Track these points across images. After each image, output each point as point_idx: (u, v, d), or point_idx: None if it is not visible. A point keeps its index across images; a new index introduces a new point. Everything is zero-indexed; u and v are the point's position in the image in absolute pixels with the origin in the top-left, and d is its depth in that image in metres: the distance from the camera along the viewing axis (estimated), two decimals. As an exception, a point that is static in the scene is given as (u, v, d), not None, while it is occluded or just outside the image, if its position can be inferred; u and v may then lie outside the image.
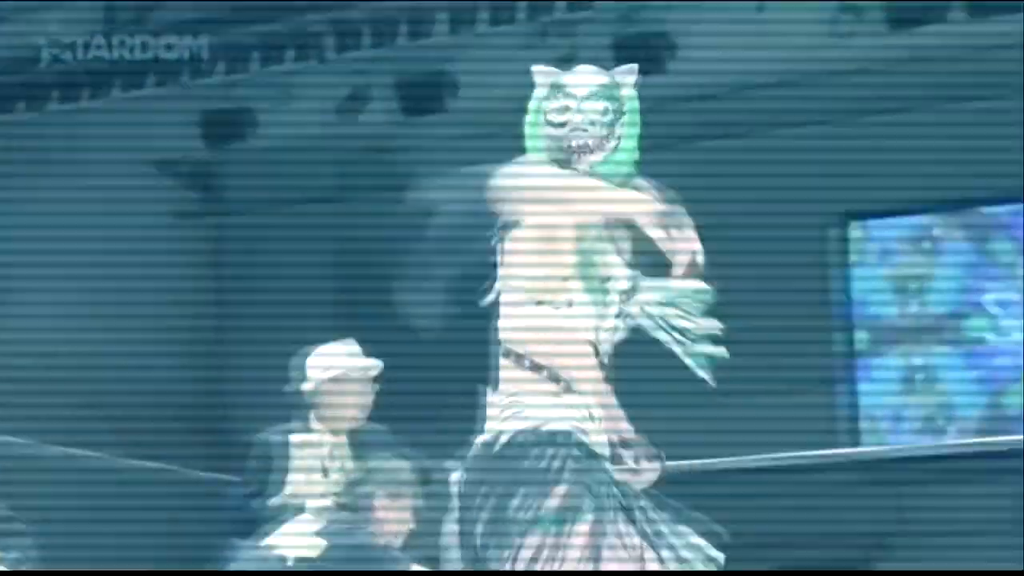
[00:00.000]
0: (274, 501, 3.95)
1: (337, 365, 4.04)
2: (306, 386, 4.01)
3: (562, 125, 2.33)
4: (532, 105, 2.42)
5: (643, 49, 7.07)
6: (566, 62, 2.84)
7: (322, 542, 3.64)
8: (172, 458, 7.98)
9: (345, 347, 4.12)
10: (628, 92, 2.43)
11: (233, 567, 3.84)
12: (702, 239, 2.23)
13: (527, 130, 2.42)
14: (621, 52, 6.87)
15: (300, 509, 3.86)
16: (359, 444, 4.09)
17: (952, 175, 8.71)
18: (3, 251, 7.65)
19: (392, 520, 3.76)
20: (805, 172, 8.43)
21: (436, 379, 6.58)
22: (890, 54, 7.68)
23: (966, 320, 9.25)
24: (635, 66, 2.48)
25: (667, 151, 8.00)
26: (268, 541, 3.74)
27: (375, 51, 7.47)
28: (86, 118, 8.10)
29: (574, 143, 2.32)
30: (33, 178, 8.21)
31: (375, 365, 4.10)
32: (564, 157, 2.34)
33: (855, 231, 9.55)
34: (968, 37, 7.24)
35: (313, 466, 3.99)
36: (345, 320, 6.94)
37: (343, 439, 4.07)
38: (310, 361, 4.06)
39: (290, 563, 3.66)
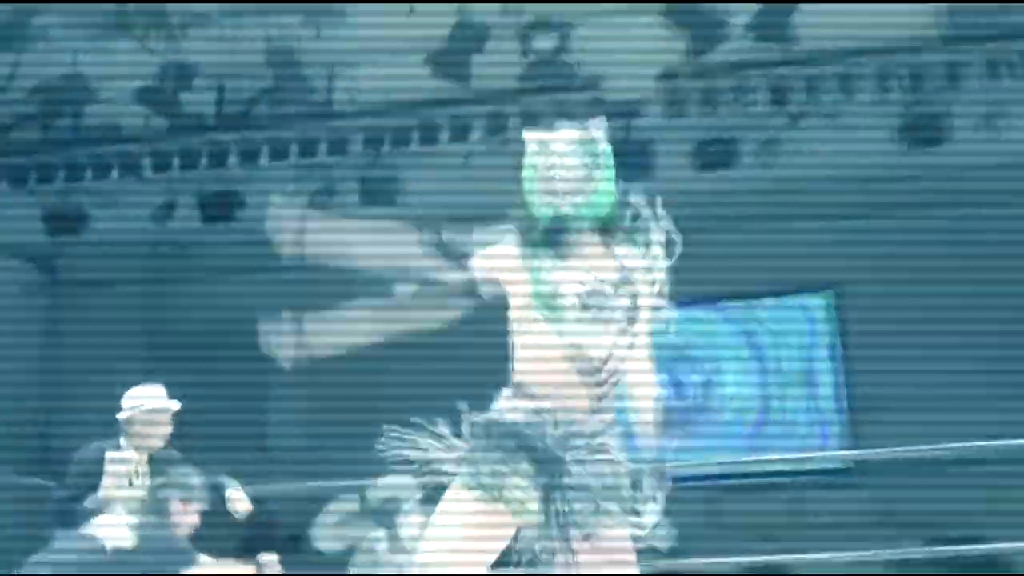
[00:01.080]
0: (90, 502, 4.08)
1: (147, 402, 4.31)
2: (122, 415, 4.29)
3: (551, 178, 2.49)
4: (527, 161, 2.56)
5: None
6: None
7: (132, 534, 3.75)
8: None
9: (154, 390, 4.39)
10: (602, 144, 2.58)
11: (57, 548, 3.82)
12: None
13: (526, 184, 2.55)
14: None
15: (111, 509, 3.95)
16: (159, 461, 4.30)
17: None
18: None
19: (185, 519, 3.92)
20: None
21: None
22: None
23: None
24: (604, 119, 2.67)
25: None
26: (88, 531, 3.83)
27: (183, 173, 8.11)
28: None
29: (559, 187, 2.48)
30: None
31: (174, 405, 4.38)
32: (555, 201, 2.49)
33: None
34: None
35: (122, 477, 4.10)
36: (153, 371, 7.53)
37: (146, 457, 4.27)
38: (126, 398, 4.35)
39: (108, 550, 3.71)
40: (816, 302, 10.12)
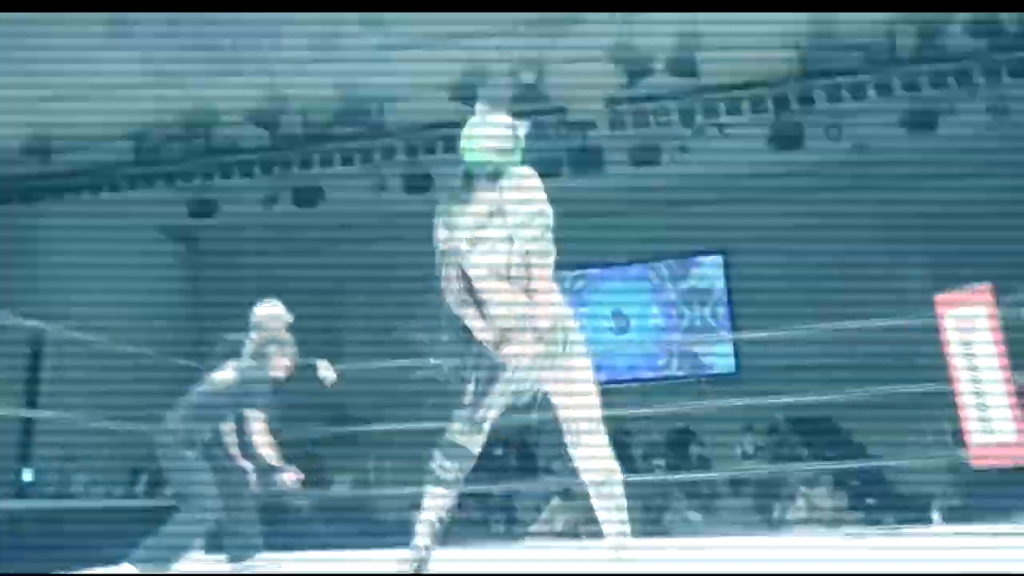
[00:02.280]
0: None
1: (271, 310, 4.00)
2: (254, 317, 3.95)
3: (481, 136, 2.47)
4: (470, 122, 2.53)
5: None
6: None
7: (236, 374, 3.67)
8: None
9: (276, 306, 4.05)
10: (521, 132, 2.55)
11: (191, 393, 3.64)
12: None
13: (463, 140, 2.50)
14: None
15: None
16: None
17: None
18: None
19: (279, 364, 3.77)
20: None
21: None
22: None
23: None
24: (528, 121, 2.63)
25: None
26: (210, 377, 3.70)
27: (282, 173, 8.09)
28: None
29: (487, 144, 2.45)
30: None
31: (289, 317, 4.04)
32: (481, 151, 2.46)
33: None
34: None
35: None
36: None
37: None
38: (257, 306, 4.00)
39: (216, 382, 3.63)
40: (713, 261, 10.19)
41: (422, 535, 2.48)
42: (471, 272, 2.40)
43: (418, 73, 7.01)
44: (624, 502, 2.45)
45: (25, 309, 3.96)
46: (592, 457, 2.45)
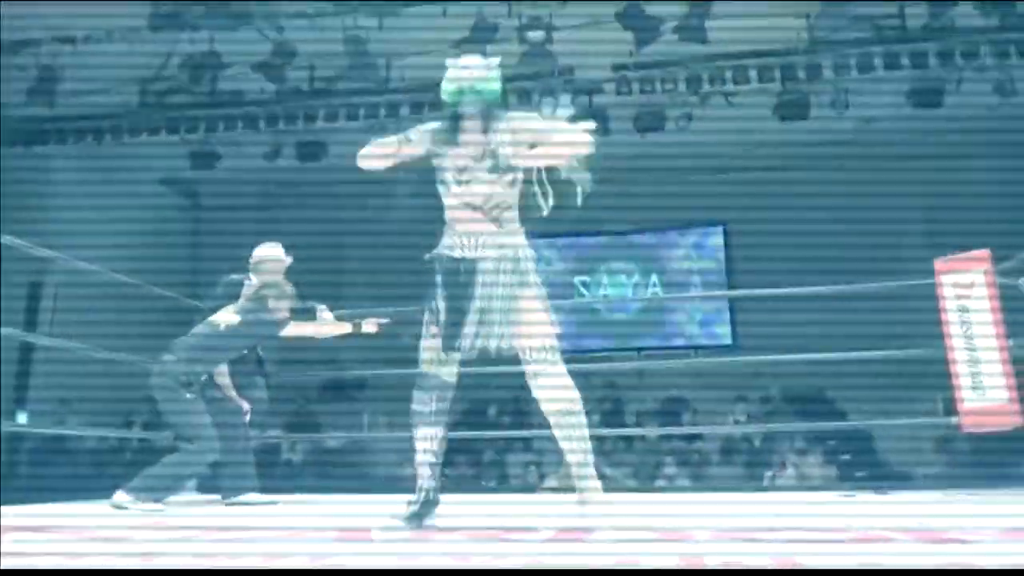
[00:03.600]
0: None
1: (270, 251, 4.13)
2: (253, 257, 4.11)
3: (461, 75, 2.60)
4: (450, 66, 2.67)
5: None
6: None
7: (239, 317, 3.70)
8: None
9: (275, 247, 4.17)
10: (495, 67, 2.63)
11: (192, 333, 3.67)
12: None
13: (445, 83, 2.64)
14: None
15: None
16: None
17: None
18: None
19: (279, 308, 3.76)
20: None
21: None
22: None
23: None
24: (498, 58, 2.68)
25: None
26: (211, 319, 3.74)
27: (286, 127, 8.00)
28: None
29: (464, 74, 2.59)
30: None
31: (288, 259, 4.14)
32: (461, 80, 2.60)
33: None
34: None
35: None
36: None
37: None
38: (257, 248, 4.14)
39: (223, 327, 3.65)
40: (713, 231, 10.15)
41: (421, 477, 2.50)
42: (448, 202, 2.56)
43: (427, 28, 6.90)
44: (586, 432, 2.45)
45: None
46: (551, 387, 2.45)
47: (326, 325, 3.98)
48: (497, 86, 2.60)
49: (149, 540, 2.10)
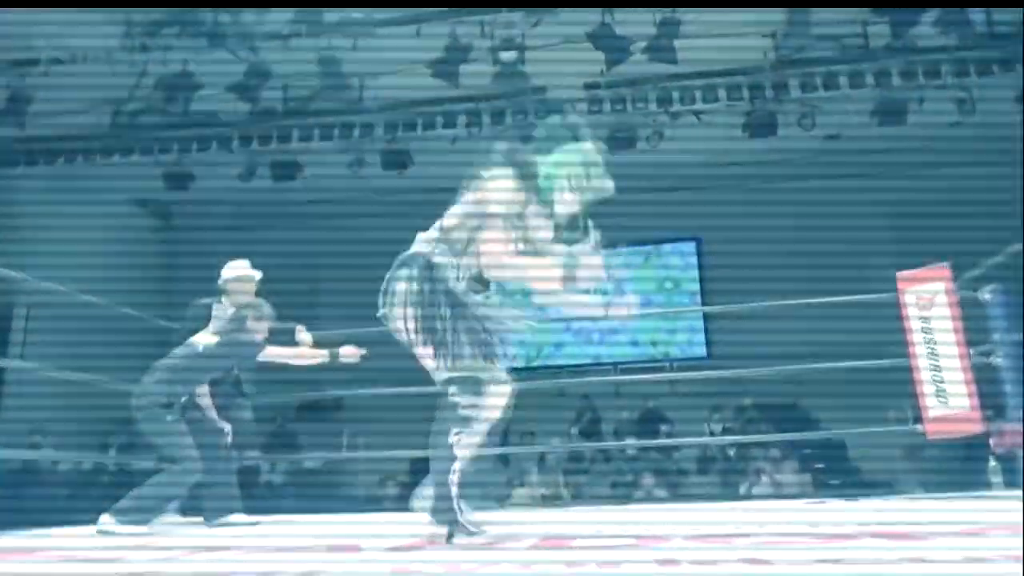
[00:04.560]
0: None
1: (238, 270, 4.17)
2: (222, 279, 4.16)
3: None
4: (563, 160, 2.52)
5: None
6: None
7: (217, 338, 3.75)
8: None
9: (242, 263, 4.21)
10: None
11: (171, 355, 3.72)
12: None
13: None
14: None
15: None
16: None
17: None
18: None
19: (258, 329, 3.76)
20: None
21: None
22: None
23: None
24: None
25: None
26: (191, 341, 3.78)
27: (260, 147, 8.13)
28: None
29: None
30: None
31: (257, 274, 4.21)
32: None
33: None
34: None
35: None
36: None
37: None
38: (225, 268, 4.17)
39: (202, 349, 3.71)
40: (686, 247, 10.32)
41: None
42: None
43: (401, 49, 7.04)
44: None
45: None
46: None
47: (304, 352, 4.02)
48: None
49: (141, 560, 2.15)
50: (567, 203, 2.52)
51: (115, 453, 7.02)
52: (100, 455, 7.13)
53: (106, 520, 3.34)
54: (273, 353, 3.88)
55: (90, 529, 3.37)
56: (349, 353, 4.07)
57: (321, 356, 4.00)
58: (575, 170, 2.50)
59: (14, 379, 7.59)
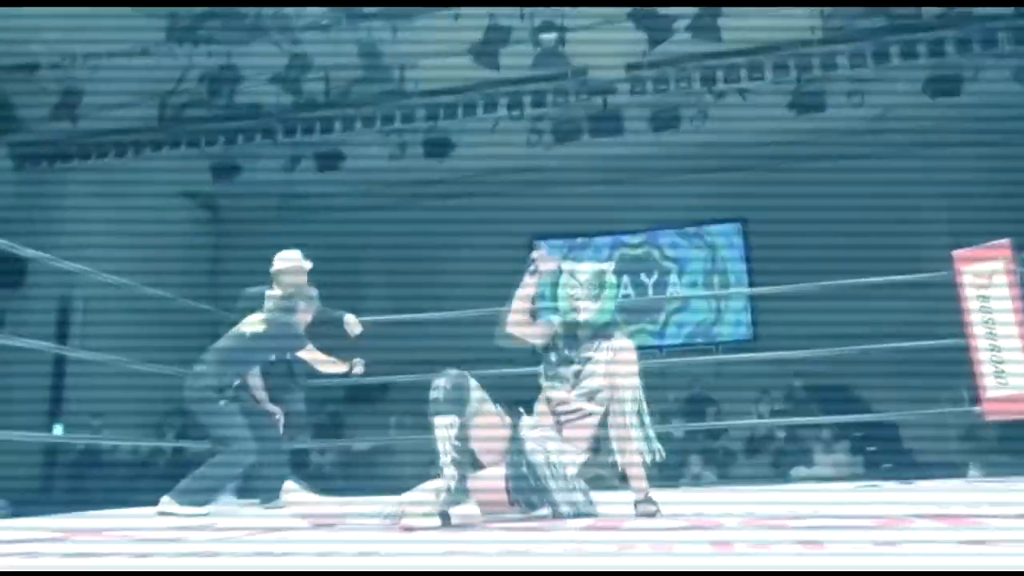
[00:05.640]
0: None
1: (291, 259, 4.20)
2: (274, 267, 4.18)
3: (573, 296, 2.72)
4: (561, 281, 2.75)
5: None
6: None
7: (264, 325, 3.77)
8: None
9: (295, 253, 4.24)
10: (610, 276, 2.76)
11: (219, 341, 3.75)
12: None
13: (560, 297, 2.74)
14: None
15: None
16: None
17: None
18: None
19: (303, 317, 3.90)
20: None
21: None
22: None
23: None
24: (612, 263, 2.84)
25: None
26: (236, 329, 3.80)
27: (303, 137, 8.15)
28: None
29: (579, 304, 2.69)
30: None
31: (308, 264, 4.23)
32: (572, 308, 2.71)
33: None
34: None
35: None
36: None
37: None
38: (277, 258, 4.20)
39: (248, 335, 3.72)
40: (731, 229, 10.19)
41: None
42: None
43: (440, 33, 7.05)
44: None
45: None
46: None
47: (328, 363, 4.10)
48: (611, 306, 2.78)
49: (201, 540, 2.23)
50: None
51: (172, 438, 7.20)
52: (157, 441, 7.30)
53: (166, 502, 3.45)
54: (306, 354, 3.99)
55: (150, 511, 3.48)
56: (358, 371, 4.25)
57: (341, 368, 4.12)
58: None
59: (75, 370, 7.81)
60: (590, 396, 2.63)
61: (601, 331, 2.70)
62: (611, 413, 2.63)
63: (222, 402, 3.65)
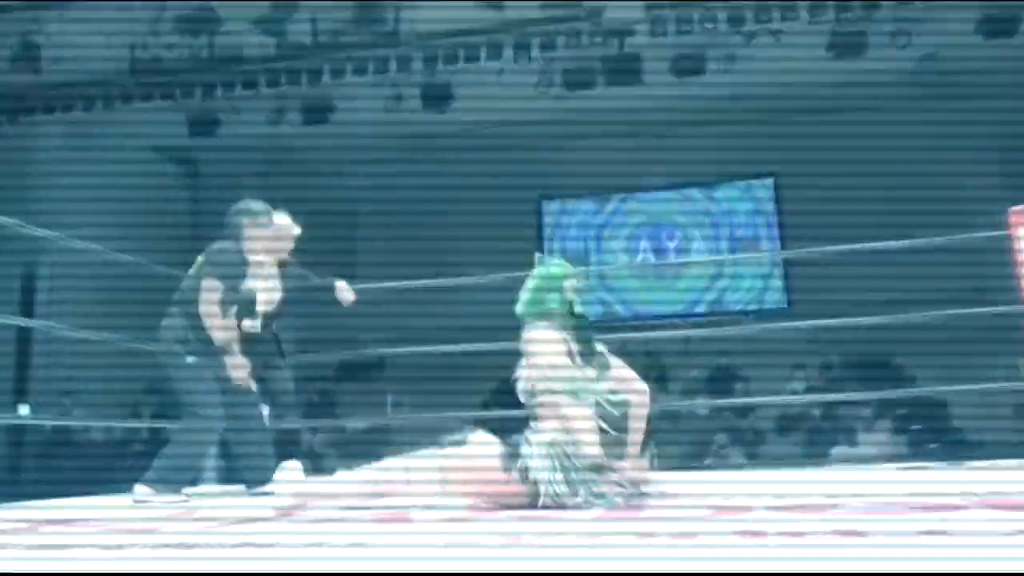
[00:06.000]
0: None
1: (279, 221, 4.19)
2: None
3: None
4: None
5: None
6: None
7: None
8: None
9: (283, 216, 4.26)
10: (541, 268, 2.85)
11: None
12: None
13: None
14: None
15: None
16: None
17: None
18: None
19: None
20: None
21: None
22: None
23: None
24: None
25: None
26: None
27: (289, 87, 8.09)
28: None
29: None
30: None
31: (296, 228, 4.31)
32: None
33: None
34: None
35: None
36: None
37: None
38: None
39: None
40: (763, 184, 10.11)
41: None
42: None
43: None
44: None
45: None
46: None
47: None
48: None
49: (179, 532, 2.22)
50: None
51: (148, 418, 7.24)
52: (132, 421, 7.33)
53: (142, 491, 3.46)
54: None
55: (125, 499, 3.49)
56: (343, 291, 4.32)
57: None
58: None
59: (42, 347, 7.80)
60: (527, 393, 2.71)
61: (525, 323, 2.78)
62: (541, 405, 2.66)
63: (189, 358, 3.66)
